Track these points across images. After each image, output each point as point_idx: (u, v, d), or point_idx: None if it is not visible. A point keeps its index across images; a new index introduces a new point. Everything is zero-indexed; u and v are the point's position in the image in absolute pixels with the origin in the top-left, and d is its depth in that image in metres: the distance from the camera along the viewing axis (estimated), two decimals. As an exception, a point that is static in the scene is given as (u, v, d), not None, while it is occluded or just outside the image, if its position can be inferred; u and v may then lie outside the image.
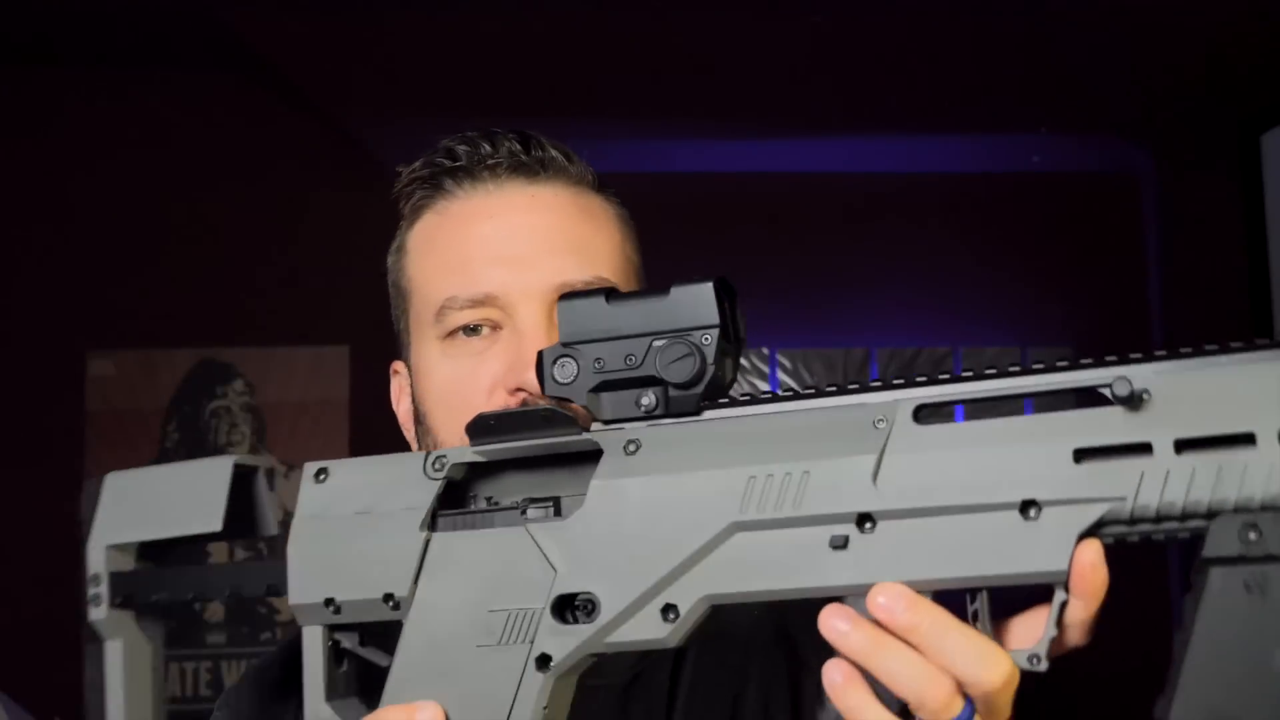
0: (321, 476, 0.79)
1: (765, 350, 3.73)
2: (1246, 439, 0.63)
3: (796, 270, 3.66)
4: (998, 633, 0.69)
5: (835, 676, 0.67)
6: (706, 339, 0.73)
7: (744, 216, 3.62)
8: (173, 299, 3.49)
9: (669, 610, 0.70)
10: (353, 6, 3.02)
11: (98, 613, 0.83)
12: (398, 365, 1.08)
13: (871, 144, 3.72)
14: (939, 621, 0.66)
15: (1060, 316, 3.74)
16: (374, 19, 3.06)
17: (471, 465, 0.77)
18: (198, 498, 0.81)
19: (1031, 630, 0.68)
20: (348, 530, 0.76)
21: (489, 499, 0.78)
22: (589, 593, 0.72)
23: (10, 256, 3.44)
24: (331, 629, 0.77)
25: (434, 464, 0.77)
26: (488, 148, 1.01)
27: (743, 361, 3.81)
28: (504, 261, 0.97)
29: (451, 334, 0.97)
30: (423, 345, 1.00)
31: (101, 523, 0.84)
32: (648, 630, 0.71)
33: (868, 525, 0.68)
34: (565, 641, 0.72)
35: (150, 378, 3.59)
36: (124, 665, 0.82)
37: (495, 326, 0.96)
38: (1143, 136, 3.75)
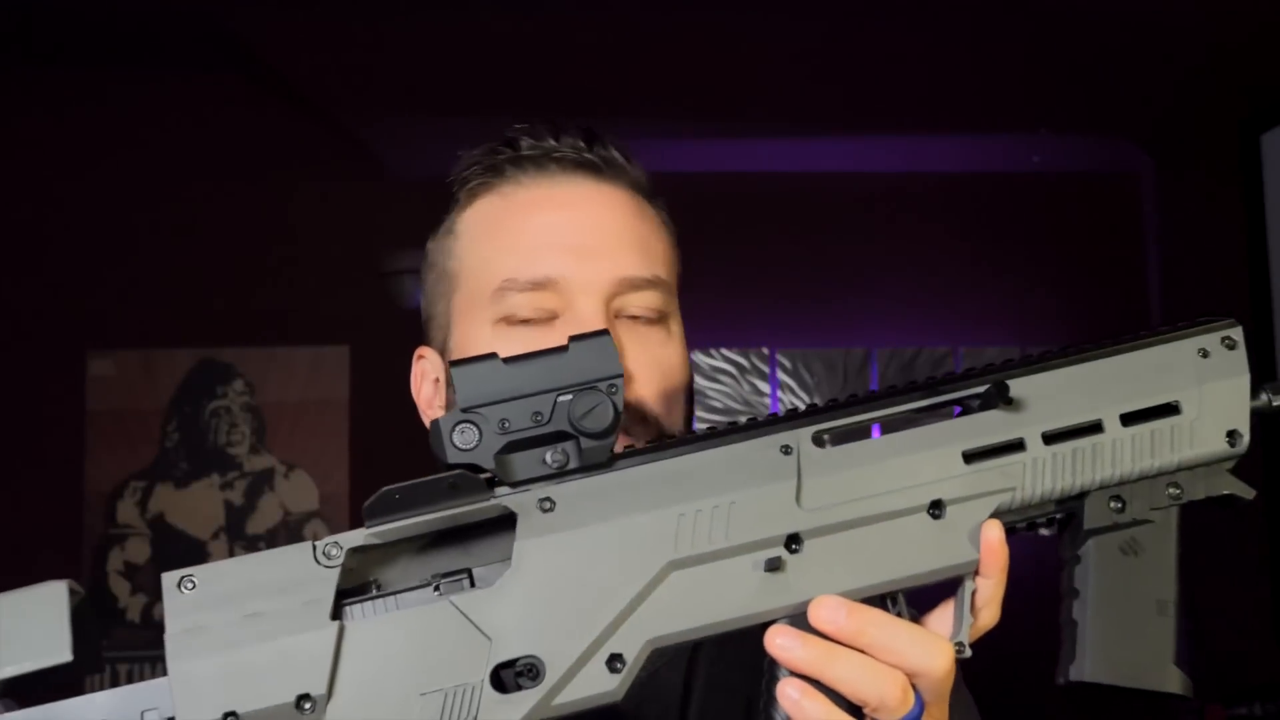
0: (188, 586, 0.70)
1: (765, 350, 3.73)
2: (1096, 426, 0.76)
3: (796, 270, 3.66)
4: None
5: (791, 692, 0.69)
6: (614, 389, 0.72)
7: (744, 216, 3.62)
8: (173, 299, 3.49)
9: (615, 660, 0.69)
10: (353, 7, 3.02)
11: None
12: (424, 350, 1.07)
13: (871, 144, 3.72)
14: (882, 622, 0.70)
15: (1060, 316, 3.74)
16: (375, 20, 3.06)
17: (362, 550, 0.71)
18: (34, 627, 0.71)
19: (945, 623, 0.75)
20: (238, 637, 0.68)
21: (378, 585, 0.72)
22: (530, 655, 0.69)
23: (10, 256, 3.44)
24: None
25: (325, 553, 0.70)
26: (553, 140, 1.01)
27: (742, 361, 3.82)
28: (569, 250, 0.97)
29: (506, 319, 0.96)
30: (472, 326, 0.99)
31: None
32: (596, 685, 0.69)
33: (795, 546, 0.72)
34: (511, 711, 0.69)
35: (150, 378, 3.59)
36: None
37: (551, 316, 0.96)
38: (1143, 136, 3.75)
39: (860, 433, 0.79)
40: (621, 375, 0.72)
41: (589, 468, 0.72)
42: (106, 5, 3.06)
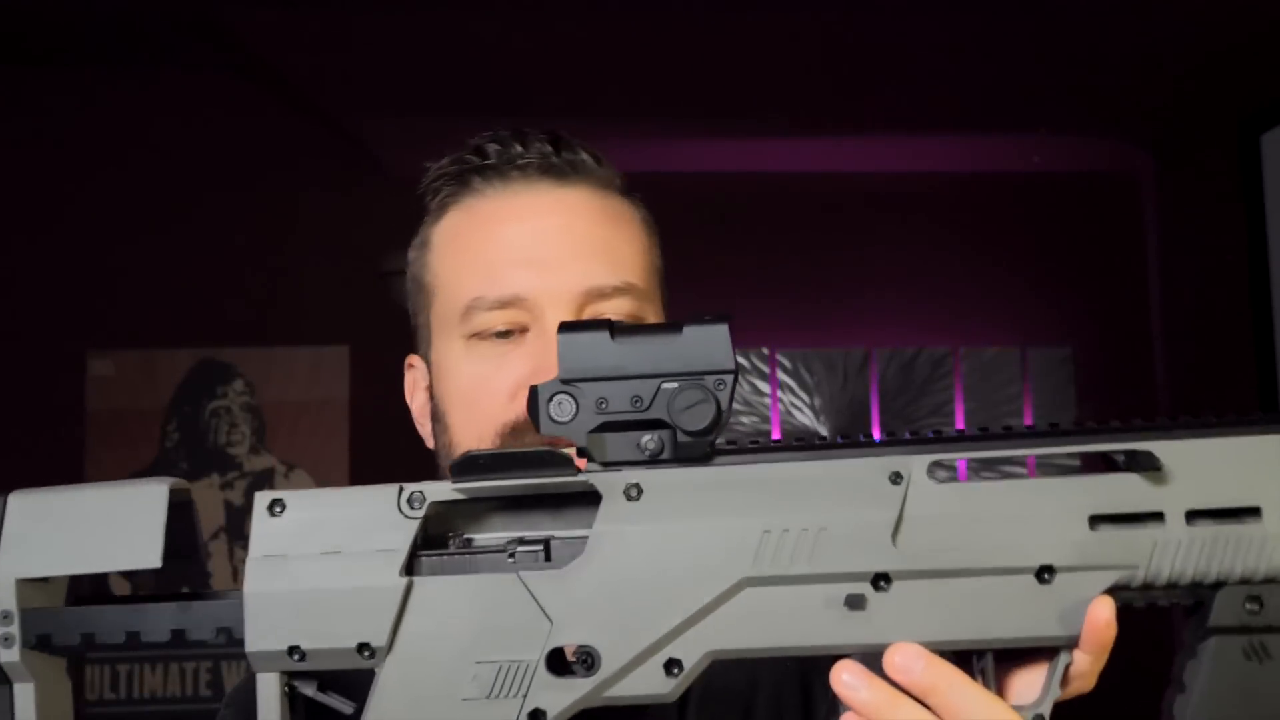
0: (278, 509, 0.70)
1: (765, 350, 3.73)
2: (1253, 512, 0.67)
3: (796, 270, 3.66)
4: (1000, 686, 0.70)
5: None
6: (721, 384, 0.69)
7: (744, 216, 3.62)
8: (173, 299, 3.49)
9: (673, 665, 0.68)
10: (353, 6, 3.02)
11: (8, 654, 0.72)
12: (413, 359, 1.07)
13: (871, 144, 3.72)
14: (956, 683, 0.66)
15: (1060, 316, 3.74)
16: (375, 19, 3.06)
17: (452, 502, 0.71)
18: (128, 527, 0.71)
19: (1032, 683, 0.69)
20: (314, 572, 0.69)
21: (469, 540, 0.72)
22: (588, 646, 0.68)
23: (10, 256, 3.44)
24: (290, 675, 0.71)
25: (410, 501, 0.70)
26: (518, 148, 1.00)
27: (743, 361, 3.82)
28: (531, 264, 0.96)
29: (478, 335, 0.97)
30: (445, 343, 0.99)
31: (9, 552, 0.72)
32: (650, 685, 0.68)
33: (883, 584, 0.68)
34: (561, 696, 0.68)
35: (150, 378, 3.59)
36: (37, 713, 0.72)
37: (522, 329, 0.96)
38: (1143, 136, 3.75)
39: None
40: (734, 372, 0.69)
41: (683, 460, 0.69)
42: (107, 5, 3.06)
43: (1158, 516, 0.67)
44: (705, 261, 3.34)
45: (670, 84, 3.31)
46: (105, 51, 3.35)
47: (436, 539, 0.71)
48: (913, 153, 3.73)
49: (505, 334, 0.96)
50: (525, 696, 0.68)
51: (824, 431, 3.68)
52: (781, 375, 3.73)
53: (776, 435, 3.65)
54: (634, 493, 0.69)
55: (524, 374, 0.94)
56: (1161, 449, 0.67)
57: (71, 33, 3.21)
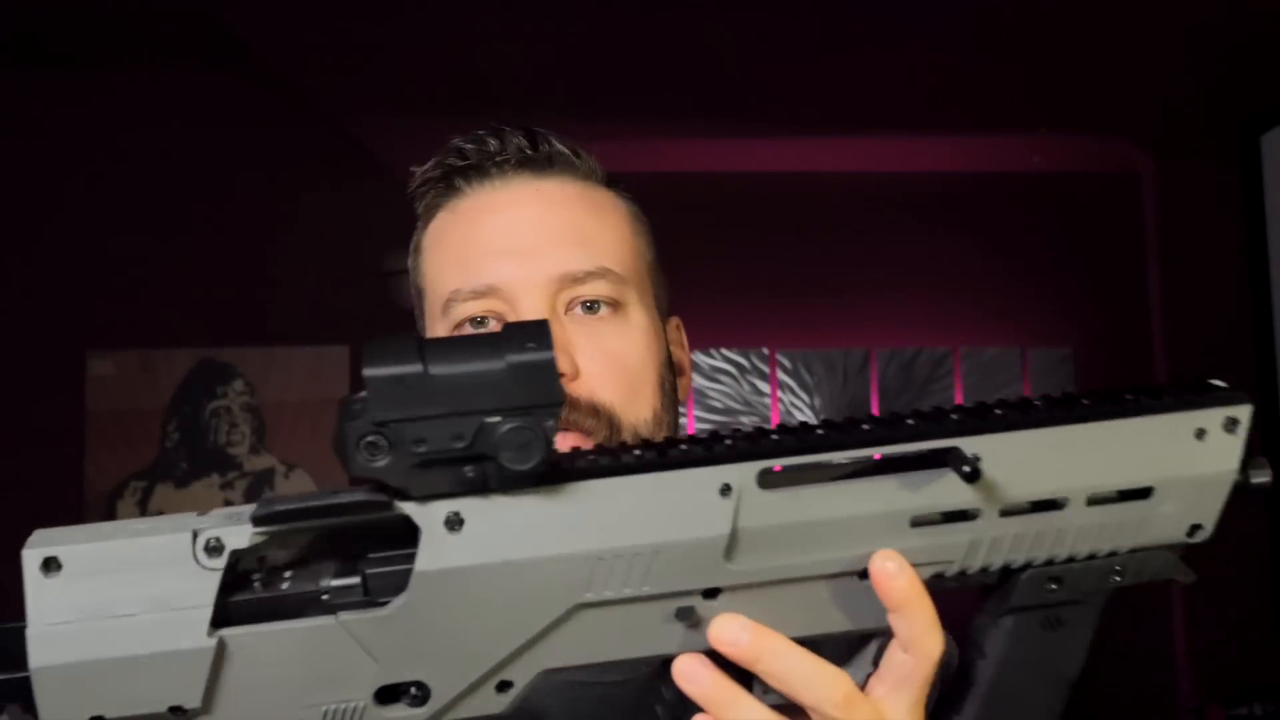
0: (54, 569, 0.62)
1: (765, 350, 3.73)
2: (1059, 504, 0.70)
3: (796, 270, 3.66)
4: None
5: None
6: (550, 420, 0.63)
7: (744, 216, 3.62)
8: (173, 299, 3.49)
9: (505, 686, 0.67)
10: (353, 6, 3.02)
11: None
12: None
13: (871, 144, 3.72)
14: (780, 648, 0.67)
15: (1060, 316, 3.74)
16: (375, 19, 3.06)
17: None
18: None
19: (863, 666, 0.72)
20: (109, 639, 0.62)
21: (279, 570, 0.66)
22: (418, 680, 0.66)
23: (10, 256, 3.44)
24: None
25: (206, 550, 0.64)
26: (495, 144, 1.01)
27: (742, 361, 3.82)
28: (507, 253, 0.97)
29: (458, 326, 0.97)
30: None
31: None
32: (483, 706, 0.67)
33: (713, 597, 0.68)
34: None
35: (150, 378, 3.59)
36: None
37: (500, 319, 0.97)
38: (1143, 136, 3.75)
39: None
40: (563, 404, 0.64)
41: (508, 488, 0.65)
42: (107, 5, 3.06)
43: (974, 514, 0.69)
44: (705, 261, 3.34)
45: (670, 84, 3.31)
46: (105, 51, 3.36)
47: (244, 575, 0.66)
48: (913, 153, 3.73)
49: (482, 322, 0.97)
50: None
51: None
52: (781, 375, 3.73)
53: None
54: (455, 523, 0.65)
55: None
56: (979, 445, 0.69)
57: (72, 33, 3.21)
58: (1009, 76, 3.34)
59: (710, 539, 0.67)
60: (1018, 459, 0.69)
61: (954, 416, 0.70)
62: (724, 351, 3.73)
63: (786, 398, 3.72)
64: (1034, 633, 0.71)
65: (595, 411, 0.94)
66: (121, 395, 3.56)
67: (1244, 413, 0.73)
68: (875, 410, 3.68)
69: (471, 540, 0.65)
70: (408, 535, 0.66)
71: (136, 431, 3.56)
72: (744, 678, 0.68)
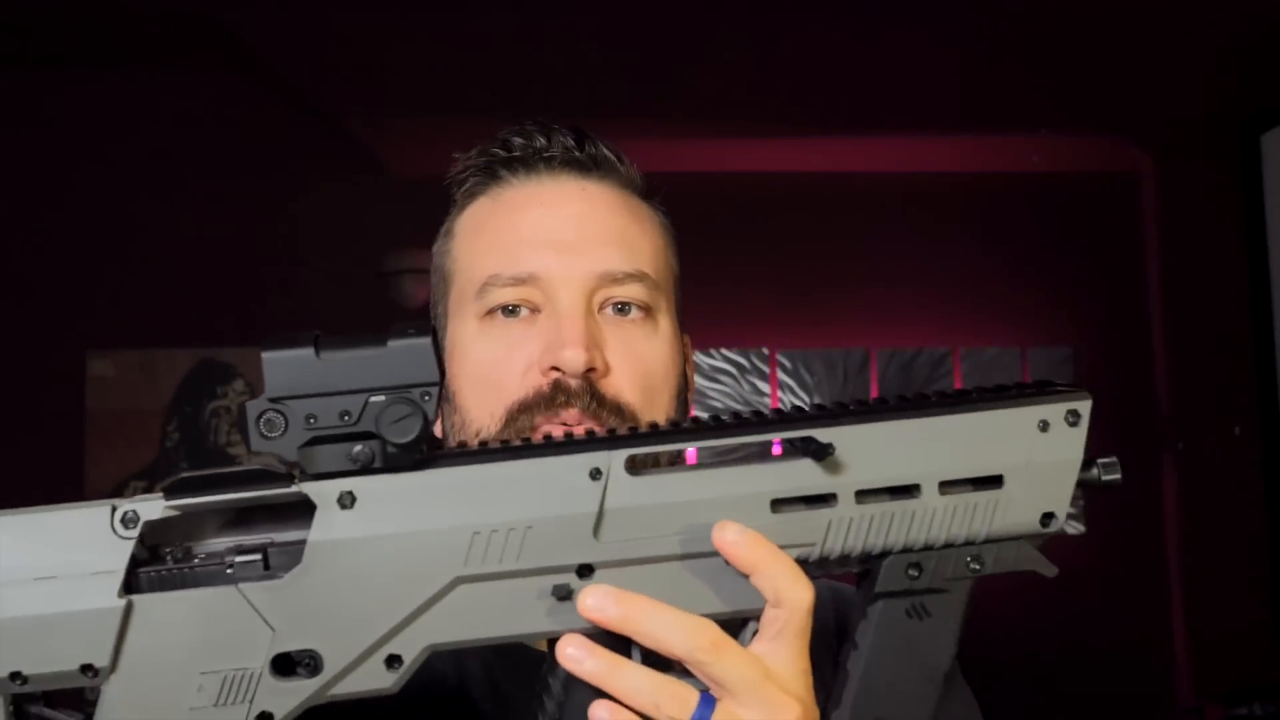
0: None
1: (765, 350, 3.73)
2: (914, 489, 0.74)
3: (796, 270, 3.66)
4: None
5: (602, 714, 0.71)
6: (427, 396, 0.70)
7: (744, 216, 3.62)
8: (173, 299, 3.49)
9: (393, 660, 0.71)
10: (353, 6, 3.02)
11: None
12: None
13: (871, 144, 3.72)
14: (647, 609, 0.71)
15: (1060, 316, 3.74)
16: (374, 19, 3.06)
17: (170, 517, 0.72)
18: None
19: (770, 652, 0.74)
20: (29, 599, 0.69)
21: (188, 548, 0.73)
22: (311, 649, 0.71)
23: (10, 256, 3.44)
24: (16, 696, 0.72)
25: (123, 521, 0.70)
26: (543, 140, 1.03)
27: (742, 361, 3.82)
28: (551, 245, 0.99)
29: (490, 312, 0.99)
30: (460, 324, 1.01)
31: None
32: (372, 681, 0.71)
33: (587, 574, 0.72)
34: (287, 699, 0.71)
35: (150, 378, 3.59)
36: None
37: (534, 309, 0.98)
38: (1143, 136, 3.75)
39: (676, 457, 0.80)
40: (438, 383, 0.71)
41: (394, 468, 0.71)
42: (107, 5, 3.06)
43: (831, 498, 0.74)
44: (705, 261, 3.33)
45: (671, 84, 3.31)
46: (104, 51, 3.36)
47: (155, 550, 0.72)
48: (913, 153, 3.74)
49: (515, 311, 0.98)
50: (252, 702, 0.70)
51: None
52: (781, 375, 3.73)
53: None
54: (347, 500, 0.71)
55: (536, 352, 0.96)
56: (833, 434, 0.73)
57: (72, 32, 3.21)
58: (1009, 77, 3.34)
59: (579, 515, 0.72)
60: (870, 447, 0.74)
61: (810, 412, 0.75)
62: (724, 351, 3.73)
63: (786, 398, 3.72)
64: (900, 621, 0.74)
65: (619, 410, 0.95)
66: (121, 395, 3.56)
67: (1084, 406, 0.76)
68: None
69: (361, 516, 0.71)
70: (307, 517, 0.71)
71: (136, 431, 3.57)
72: (625, 647, 0.72)
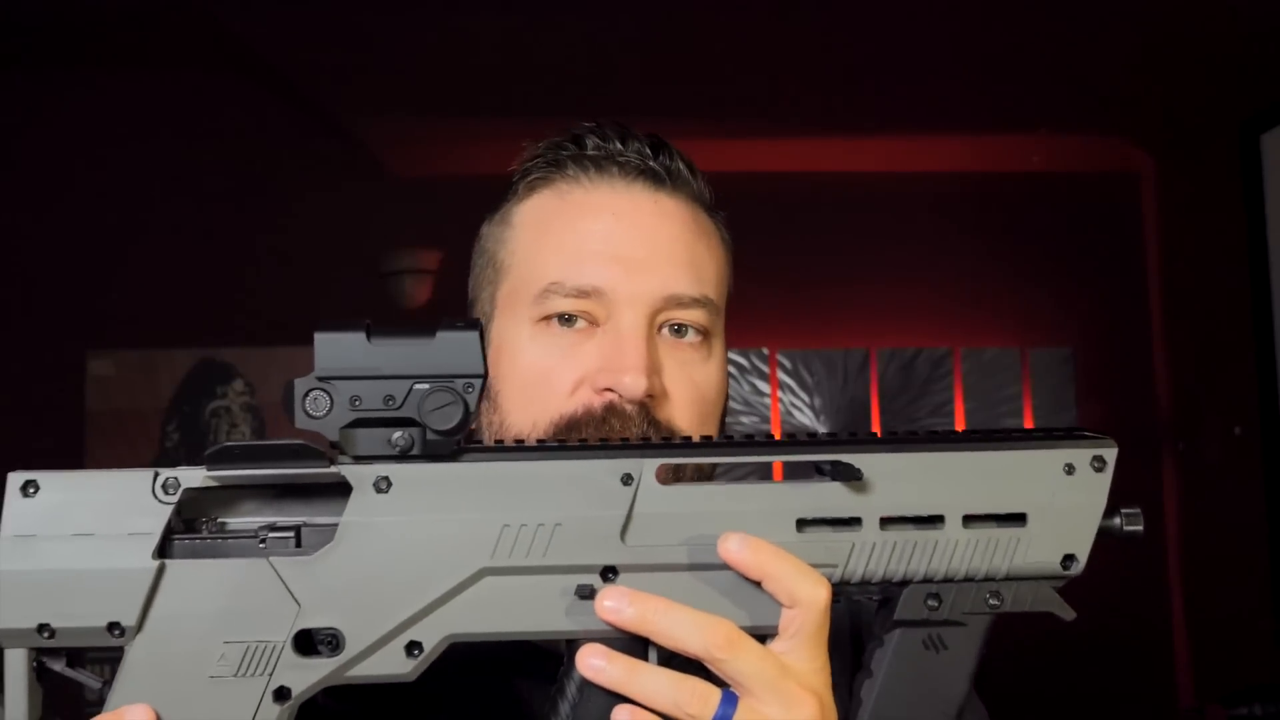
0: (31, 490, 0.71)
1: (765, 350, 3.73)
2: (937, 519, 0.75)
3: (796, 270, 3.66)
4: None
5: (623, 716, 0.71)
6: (470, 388, 0.72)
7: (743, 216, 3.61)
8: (173, 299, 3.49)
9: (413, 647, 0.72)
10: (354, 6, 3.02)
11: None
12: None
13: (871, 144, 3.72)
14: (661, 608, 0.71)
15: (1060, 316, 3.74)
16: (375, 19, 3.06)
17: (207, 488, 0.74)
18: None
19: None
20: (66, 553, 0.71)
21: (223, 524, 0.75)
22: (334, 628, 0.72)
23: (9, 256, 3.44)
24: (40, 650, 0.73)
25: (164, 487, 0.72)
26: (619, 144, 1.01)
27: (743, 361, 3.82)
28: (619, 260, 0.96)
29: (547, 318, 0.96)
30: (512, 322, 0.99)
31: None
32: (391, 666, 0.72)
33: (611, 576, 0.73)
34: (305, 675, 0.72)
35: (150, 378, 3.59)
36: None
37: (592, 322, 0.96)
38: (1143, 136, 3.75)
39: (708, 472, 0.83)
40: (482, 376, 0.72)
41: (431, 456, 0.73)
42: (107, 5, 3.06)
43: (856, 521, 0.75)
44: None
45: (671, 84, 3.31)
46: (104, 51, 3.35)
47: (191, 523, 0.74)
48: (913, 153, 3.73)
49: (571, 321, 0.96)
50: (271, 675, 0.72)
51: (822, 430, 3.67)
52: (781, 375, 3.73)
53: (776, 436, 3.65)
54: (383, 485, 0.73)
55: (591, 369, 0.94)
56: (862, 461, 0.75)
57: (72, 32, 3.21)
58: (1009, 77, 3.34)
59: (608, 517, 0.73)
60: (898, 475, 0.75)
61: (842, 436, 0.77)
62: (724, 351, 3.72)
63: (786, 398, 3.72)
64: (916, 651, 0.75)
65: (672, 437, 0.93)
66: (121, 395, 3.56)
67: (1110, 454, 0.77)
68: (875, 411, 3.69)
69: (395, 501, 0.72)
70: (341, 498, 0.73)
71: (136, 431, 3.56)
72: (644, 649, 0.73)
